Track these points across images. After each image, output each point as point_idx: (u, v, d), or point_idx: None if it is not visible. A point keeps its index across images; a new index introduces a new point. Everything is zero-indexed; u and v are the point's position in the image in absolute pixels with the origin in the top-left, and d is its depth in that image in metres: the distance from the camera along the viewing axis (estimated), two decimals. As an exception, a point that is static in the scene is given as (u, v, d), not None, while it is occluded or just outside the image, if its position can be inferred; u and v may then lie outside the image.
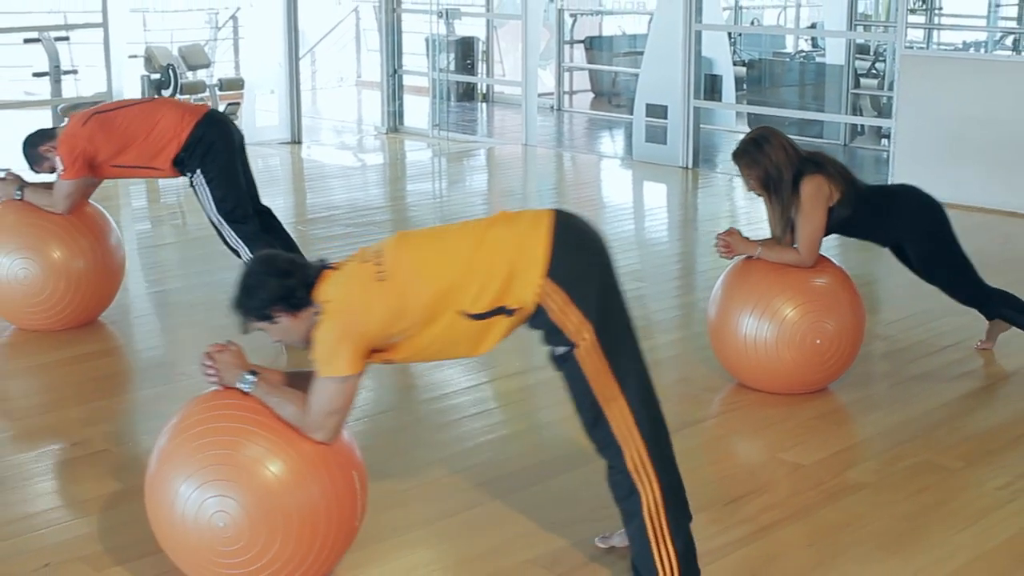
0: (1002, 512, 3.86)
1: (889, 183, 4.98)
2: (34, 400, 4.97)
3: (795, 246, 4.72)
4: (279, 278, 3.15)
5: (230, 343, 3.24)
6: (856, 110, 11.07)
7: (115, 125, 5.36)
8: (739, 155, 4.74)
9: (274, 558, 3.10)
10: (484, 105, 13.87)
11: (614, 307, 3.16)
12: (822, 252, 4.78)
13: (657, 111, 10.06)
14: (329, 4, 15.75)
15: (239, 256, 5.56)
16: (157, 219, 8.59)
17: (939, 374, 5.11)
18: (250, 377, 3.16)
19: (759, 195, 4.77)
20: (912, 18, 11.49)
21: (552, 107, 13.28)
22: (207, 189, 5.44)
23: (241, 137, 5.66)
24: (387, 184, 9.94)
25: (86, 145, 5.29)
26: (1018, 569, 3.50)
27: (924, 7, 12.24)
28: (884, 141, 10.40)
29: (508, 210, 3.29)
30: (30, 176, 5.57)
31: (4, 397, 4.94)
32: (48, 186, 5.47)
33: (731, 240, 4.78)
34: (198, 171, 5.40)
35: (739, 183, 9.61)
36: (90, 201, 5.59)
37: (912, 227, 4.97)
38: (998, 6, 12.85)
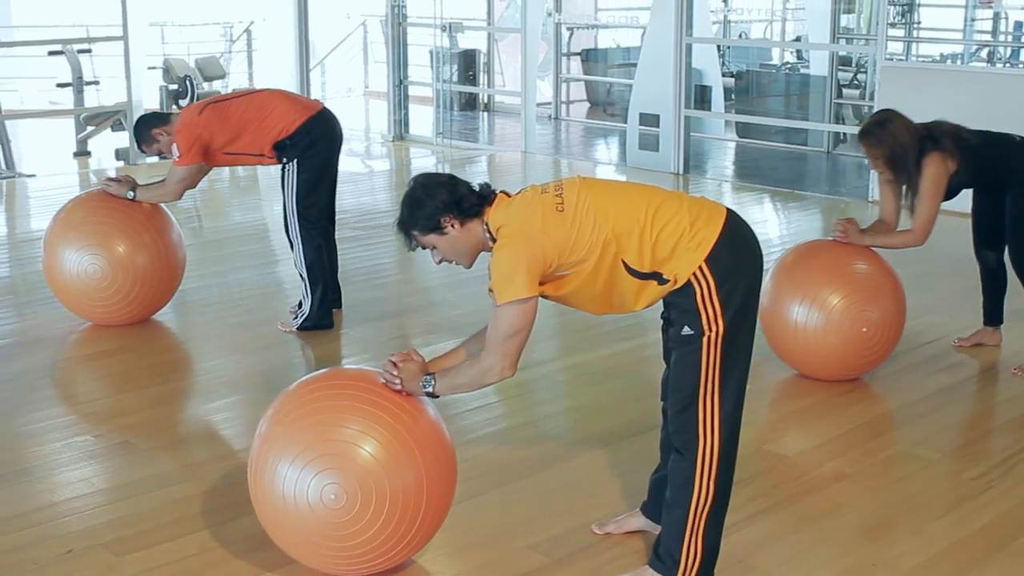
0: (977, 501, 3.86)
1: (1006, 134, 4.91)
2: (53, 395, 4.97)
3: (903, 229, 4.78)
4: (448, 188, 3.11)
5: (413, 351, 3.22)
6: (839, 119, 11.07)
7: (230, 114, 5.35)
8: (865, 135, 4.80)
9: (376, 534, 3.10)
10: (485, 114, 13.87)
11: (750, 315, 3.13)
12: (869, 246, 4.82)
13: (650, 120, 10.07)
14: (338, 18, 15.75)
15: (291, 248, 5.64)
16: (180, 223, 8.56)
17: (917, 368, 5.12)
18: (429, 378, 3.15)
19: (882, 172, 4.80)
20: (892, 31, 11.49)
21: (550, 116, 13.29)
22: (295, 181, 5.45)
23: (342, 138, 5.66)
24: (393, 189, 9.94)
25: (202, 132, 5.28)
26: (992, 555, 3.50)
27: (904, 21, 12.24)
28: (865, 148, 10.39)
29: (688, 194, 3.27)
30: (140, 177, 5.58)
31: (25, 392, 4.94)
32: (156, 183, 5.50)
33: (850, 228, 4.81)
34: (295, 161, 5.41)
35: (727, 188, 9.65)
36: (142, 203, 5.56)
37: (1021, 177, 4.94)
38: (973, 20, 12.86)
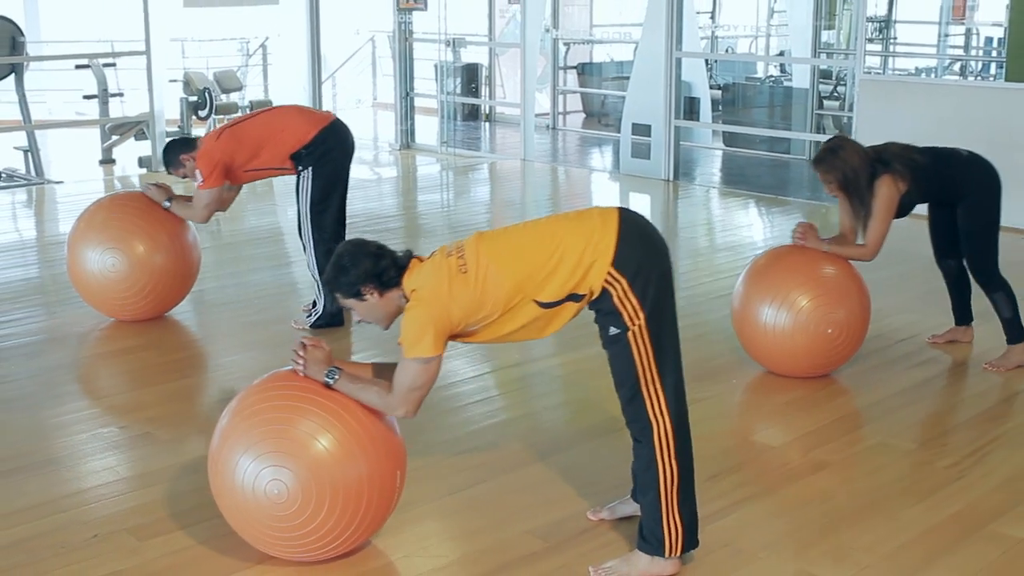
0: (950, 489, 3.86)
1: (956, 149, 4.91)
2: (79, 389, 4.97)
3: (858, 243, 4.76)
4: (372, 259, 3.15)
5: (322, 342, 3.25)
6: (820, 129, 11.07)
7: (246, 135, 5.38)
8: (818, 162, 4.77)
9: (320, 525, 3.12)
10: (487, 124, 13.87)
11: (668, 301, 3.15)
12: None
13: (642, 129, 10.07)
14: (348, 34, 15.75)
15: (304, 250, 5.64)
16: (196, 226, 8.56)
17: (893, 364, 5.12)
18: (335, 370, 3.17)
19: (836, 196, 4.79)
20: (870, 46, 11.49)
21: (548, 126, 13.28)
22: (310, 187, 5.46)
23: (354, 147, 5.67)
24: (400, 195, 9.94)
25: (221, 156, 5.30)
26: (964, 540, 3.50)
27: (881, 37, 12.24)
28: (845, 156, 10.38)
29: (574, 209, 3.29)
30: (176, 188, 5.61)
31: (54, 386, 4.94)
32: (188, 197, 5.52)
33: (808, 233, 4.81)
34: (310, 169, 5.42)
35: (714, 194, 9.65)
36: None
37: (973, 190, 4.93)
38: (946, 36, 12.86)
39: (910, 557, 3.39)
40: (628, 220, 3.13)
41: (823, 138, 10.85)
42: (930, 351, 5.29)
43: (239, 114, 5.72)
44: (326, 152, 5.42)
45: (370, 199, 9.50)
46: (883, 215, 4.70)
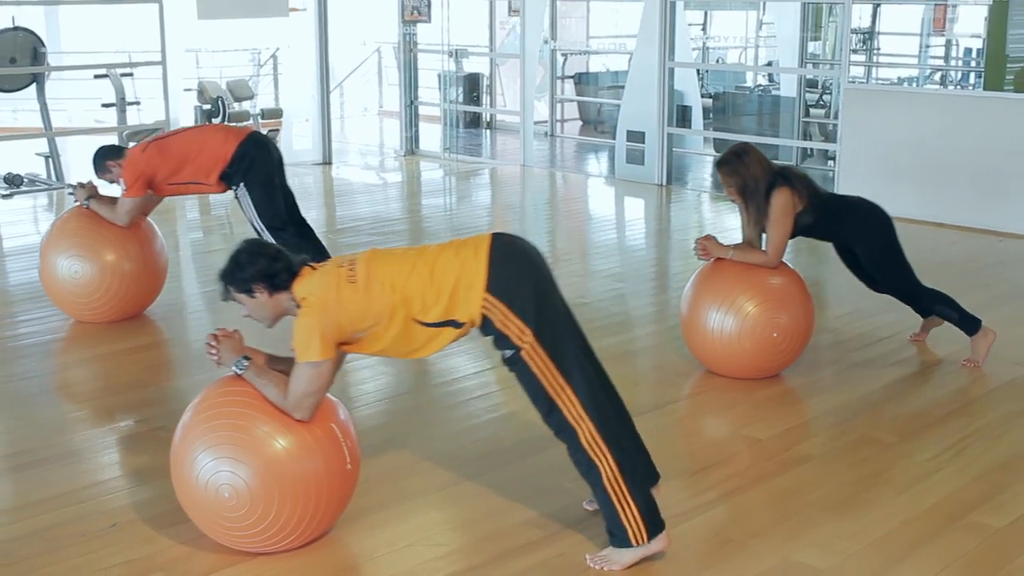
0: (930, 480, 3.87)
1: (846, 194, 4.96)
2: (98, 385, 4.97)
3: (763, 249, 4.73)
4: (268, 260, 3.18)
5: (235, 331, 3.27)
6: (806, 136, 11.06)
7: (170, 149, 5.40)
8: (722, 164, 4.74)
9: (272, 522, 3.14)
10: (488, 131, 13.86)
11: (552, 310, 3.15)
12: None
13: (636, 136, 10.06)
14: (355, 45, 15.74)
15: None
16: (208, 229, 8.59)
17: (877, 361, 5.12)
18: (244, 361, 3.18)
19: (734, 200, 4.76)
20: (854, 57, 11.48)
21: (546, 133, 13.27)
22: (249, 200, 5.46)
23: (280, 156, 5.65)
24: (405, 199, 9.94)
25: (145, 168, 5.34)
26: (944, 529, 3.50)
27: (865, 48, 12.23)
28: (830, 162, 10.38)
29: (460, 238, 3.30)
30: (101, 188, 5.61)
31: (73, 382, 4.95)
32: (112, 199, 5.49)
33: (708, 244, 4.77)
34: (241, 184, 5.42)
35: (705, 198, 9.64)
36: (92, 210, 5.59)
37: (865, 233, 4.95)
38: (927, 47, 12.86)
39: (892, 546, 3.39)
40: (498, 245, 3.15)
41: (809, 144, 10.89)
42: (911, 349, 5.30)
43: (208, 123, 5.75)
44: (251, 164, 5.42)
45: (376, 203, 9.50)
46: (781, 224, 4.64)
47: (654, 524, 3.20)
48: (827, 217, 4.81)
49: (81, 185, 5.55)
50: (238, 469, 3.09)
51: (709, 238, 4.80)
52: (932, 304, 5.08)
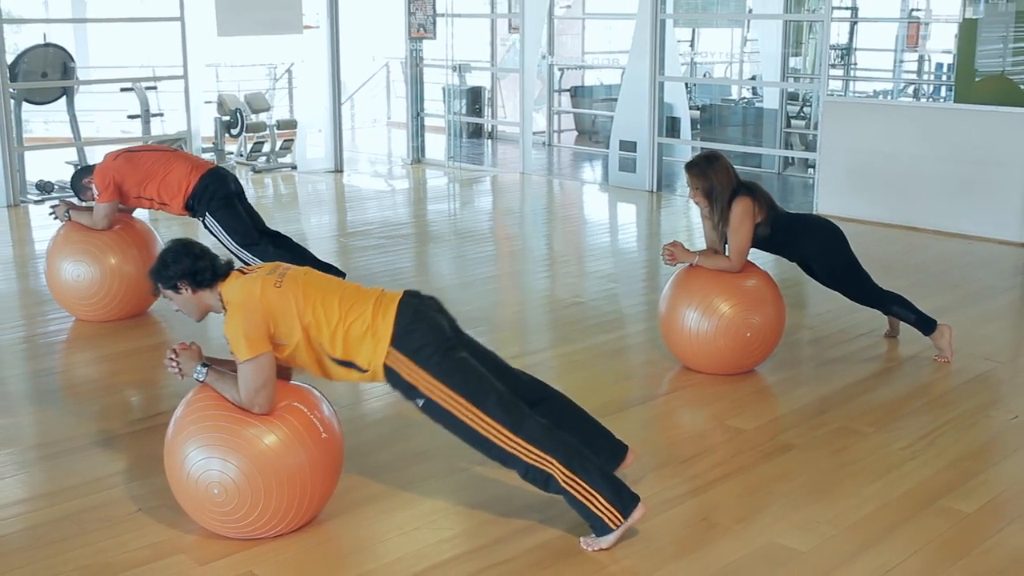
0: (904, 468, 3.87)
1: (802, 213, 4.93)
2: (118, 380, 4.96)
3: (726, 255, 4.71)
4: (192, 259, 3.22)
5: (192, 343, 3.29)
6: (788, 145, 11.06)
7: (138, 163, 5.46)
8: (692, 166, 4.72)
9: (261, 513, 3.15)
10: (489, 141, 13.85)
11: (450, 351, 3.15)
12: (752, 260, 4.78)
13: (628, 146, 10.06)
14: (365, 60, 15.74)
15: None
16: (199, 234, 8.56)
17: (854, 357, 5.12)
18: (202, 369, 3.20)
19: (697, 203, 4.74)
20: (833, 72, 11.48)
21: (544, 143, 13.27)
22: (218, 225, 5.47)
23: (239, 187, 5.65)
24: (412, 205, 9.93)
25: (114, 174, 5.40)
26: (917, 513, 3.50)
27: (843, 63, 12.23)
28: (810, 170, 10.39)
29: (385, 289, 3.30)
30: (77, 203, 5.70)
31: (97, 377, 4.94)
32: (89, 208, 5.55)
33: (675, 250, 4.74)
34: (207, 214, 5.43)
35: (692, 205, 9.63)
36: (141, 219, 5.64)
37: (820, 252, 4.94)
38: (902, 62, 12.86)
39: (869, 529, 3.39)
40: (407, 305, 3.17)
41: (790, 154, 10.89)
42: (885, 345, 5.30)
43: (180, 150, 5.77)
44: (212, 194, 5.44)
45: (384, 208, 9.49)
46: (742, 231, 4.63)
47: (624, 503, 3.18)
48: (783, 233, 4.79)
49: (57, 205, 5.61)
50: (226, 465, 3.09)
51: (676, 244, 4.76)
52: (889, 306, 5.06)
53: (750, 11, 12.73)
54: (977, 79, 7.95)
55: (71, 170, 10.16)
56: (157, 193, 5.43)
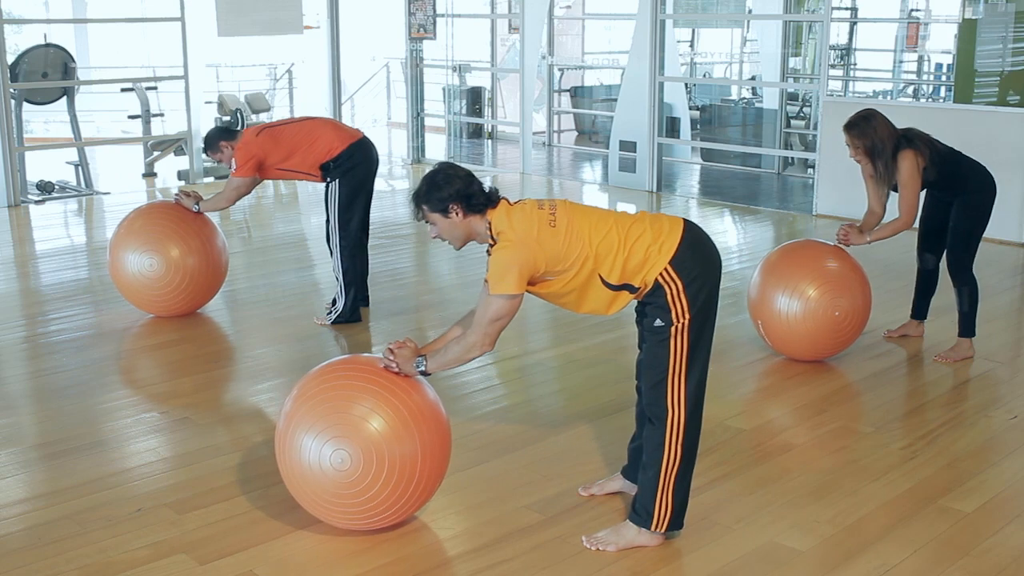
0: (904, 467, 3.86)
1: (964, 154, 4.89)
2: (122, 379, 4.97)
3: (883, 220, 4.77)
4: (464, 182, 3.10)
5: (407, 340, 3.23)
6: (787, 145, 11.06)
7: (282, 138, 5.40)
8: (851, 127, 4.75)
9: (379, 495, 3.13)
10: (489, 141, 13.85)
11: (711, 307, 3.11)
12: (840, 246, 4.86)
13: (628, 146, 10.06)
14: (365, 60, 15.74)
15: (331, 254, 5.62)
16: (227, 232, 8.57)
17: (854, 357, 5.11)
18: (422, 360, 3.15)
19: (859, 161, 4.77)
20: (832, 72, 11.48)
21: (544, 143, 13.27)
22: (337, 197, 5.45)
23: (379, 163, 5.65)
24: (412, 204, 9.91)
25: (257, 151, 5.33)
26: (916, 513, 3.50)
27: (842, 63, 12.23)
28: (810, 171, 10.40)
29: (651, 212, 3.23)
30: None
31: (100, 376, 4.94)
32: (214, 197, 5.53)
33: (850, 231, 4.84)
34: (337, 181, 5.42)
35: (693, 203, 9.64)
36: (203, 213, 5.60)
37: (971, 190, 4.90)
38: (901, 63, 12.86)
39: (868, 528, 3.39)
40: (692, 231, 3.10)
41: (790, 154, 10.88)
42: (887, 344, 5.30)
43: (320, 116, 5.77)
44: (352, 167, 5.42)
45: (385, 208, 9.48)
46: (911, 185, 4.69)
47: (677, 519, 3.20)
48: (943, 171, 4.80)
49: (187, 194, 5.59)
50: (345, 442, 3.07)
51: (852, 226, 4.87)
52: (963, 286, 4.97)
53: (750, 11, 12.73)
54: (977, 79, 7.93)
55: (71, 170, 10.20)
56: (300, 164, 5.41)
